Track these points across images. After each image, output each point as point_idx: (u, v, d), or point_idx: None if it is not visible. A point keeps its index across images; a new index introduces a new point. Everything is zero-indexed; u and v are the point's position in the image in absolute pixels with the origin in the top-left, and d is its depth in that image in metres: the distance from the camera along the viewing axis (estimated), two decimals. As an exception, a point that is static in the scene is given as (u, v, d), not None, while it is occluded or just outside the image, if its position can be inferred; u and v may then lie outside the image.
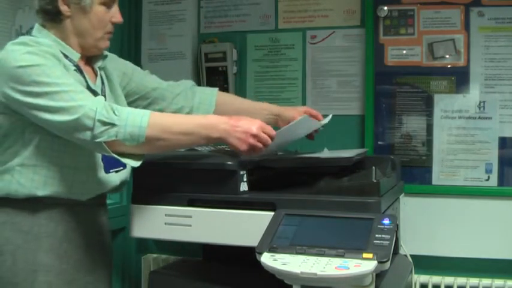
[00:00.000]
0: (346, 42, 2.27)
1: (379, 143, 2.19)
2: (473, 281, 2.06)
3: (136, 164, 1.31)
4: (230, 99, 1.78)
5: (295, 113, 1.69)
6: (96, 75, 1.49)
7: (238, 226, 1.37)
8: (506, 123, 2.07)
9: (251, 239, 1.27)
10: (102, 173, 1.41)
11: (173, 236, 1.46)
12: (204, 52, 2.37)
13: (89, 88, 1.38)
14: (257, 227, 1.30)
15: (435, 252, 2.11)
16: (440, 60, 2.13)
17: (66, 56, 1.37)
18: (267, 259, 1.19)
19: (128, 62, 1.69)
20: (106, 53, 1.53)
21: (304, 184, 1.47)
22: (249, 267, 1.33)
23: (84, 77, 1.40)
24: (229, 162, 1.41)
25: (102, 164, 1.41)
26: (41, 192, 1.33)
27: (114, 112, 1.24)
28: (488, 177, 2.08)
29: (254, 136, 1.33)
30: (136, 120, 1.25)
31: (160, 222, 1.45)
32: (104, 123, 1.22)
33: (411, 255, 1.88)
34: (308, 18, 2.32)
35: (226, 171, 1.40)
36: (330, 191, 1.38)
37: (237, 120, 1.35)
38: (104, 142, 1.23)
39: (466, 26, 2.09)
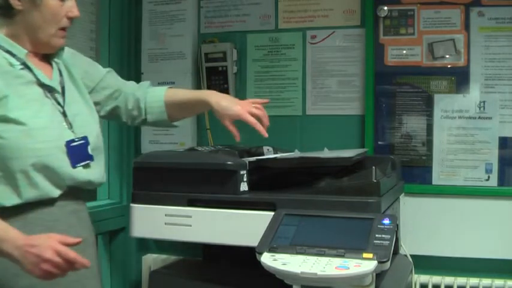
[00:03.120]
0: (346, 42, 2.27)
1: (379, 143, 2.19)
2: (473, 281, 2.06)
3: None
4: (175, 92, 1.68)
5: (227, 121, 1.57)
6: (52, 69, 1.44)
7: (238, 226, 1.37)
8: (506, 123, 2.07)
9: (251, 239, 1.27)
10: (68, 168, 1.35)
11: (173, 236, 1.46)
12: (204, 52, 2.37)
13: (40, 84, 1.34)
14: (257, 227, 1.30)
15: (435, 252, 2.11)
16: (440, 60, 2.13)
17: (13, 55, 1.32)
18: (267, 259, 1.19)
19: (89, 59, 1.62)
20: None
21: (304, 184, 1.47)
22: (249, 267, 1.33)
23: (33, 73, 1.35)
24: (229, 162, 1.41)
25: (67, 158, 1.35)
26: (8, 203, 1.28)
27: None
28: (488, 177, 2.08)
29: (47, 261, 1.16)
30: None
31: (160, 222, 1.45)
32: None
33: (411, 255, 1.88)
34: (308, 18, 2.32)
35: (226, 171, 1.40)
36: (330, 191, 1.38)
37: (33, 241, 1.18)
38: None
39: (466, 26, 2.10)
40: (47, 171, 1.31)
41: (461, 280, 2.08)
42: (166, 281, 1.62)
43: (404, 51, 2.16)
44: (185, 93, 1.68)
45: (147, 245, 2.46)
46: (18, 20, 1.33)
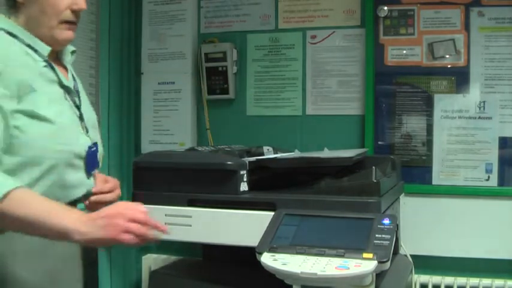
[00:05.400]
0: (346, 42, 2.27)
1: (379, 143, 2.19)
2: (473, 281, 2.06)
3: None
4: None
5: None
6: (67, 71, 1.35)
7: (238, 226, 1.37)
8: (506, 123, 2.07)
9: (251, 239, 1.27)
10: (83, 175, 1.28)
11: (173, 236, 1.45)
12: (204, 52, 2.37)
13: (61, 84, 1.27)
14: (257, 227, 1.30)
15: (435, 252, 2.11)
16: (440, 60, 2.13)
17: (34, 50, 1.23)
18: (267, 259, 1.19)
19: None
20: (72, 48, 1.38)
21: (304, 184, 1.47)
22: (249, 267, 1.33)
23: (55, 72, 1.27)
24: (229, 162, 1.41)
25: (83, 165, 1.27)
26: None
27: None
28: (488, 177, 2.08)
29: (122, 216, 1.12)
30: None
31: (160, 222, 1.44)
32: None
33: (411, 255, 1.88)
34: (308, 18, 2.32)
35: (226, 171, 1.40)
36: (330, 191, 1.38)
37: (103, 211, 1.14)
38: None
39: (466, 26, 2.10)
40: (63, 175, 1.22)
41: (461, 280, 2.08)
42: (166, 281, 1.62)
43: (404, 51, 2.16)
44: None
45: (147, 245, 2.46)
46: (21, 14, 1.25)
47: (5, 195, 1.06)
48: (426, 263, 2.08)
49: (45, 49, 1.25)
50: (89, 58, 2.26)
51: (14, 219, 1.07)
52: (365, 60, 2.21)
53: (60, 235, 1.09)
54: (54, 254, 1.23)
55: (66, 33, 1.27)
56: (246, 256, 1.30)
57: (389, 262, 1.14)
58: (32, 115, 1.17)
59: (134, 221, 1.14)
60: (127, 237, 1.13)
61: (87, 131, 1.31)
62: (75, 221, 1.10)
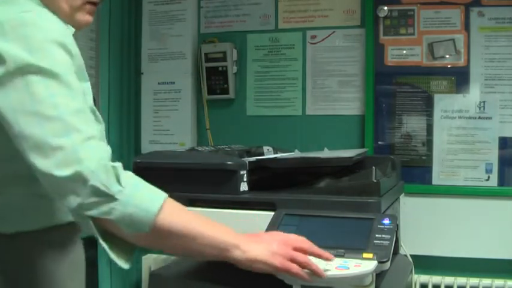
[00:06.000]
0: (346, 42, 2.27)
1: (379, 143, 2.19)
2: (473, 281, 2.06)
3: (126, 265, 1.00)
4: None
5: None
6: None
7: (238, 226, 1.36)
8: (506, 123, 2.07)
9: (251, 239, 1.27)
10: None
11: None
12: (204, 52, 2.37)
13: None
14: (257, 227, 1.29)
15: (435, 252, 2.11)
16: (440, 60, 2.13)
17: None
18: (267, 259, 1.18)
19: None
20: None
21: (304, 184, 1.47)
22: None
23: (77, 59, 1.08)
24: (229, 162, 1.41)
25: None
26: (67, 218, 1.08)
27: (118, 179, 0.90)
28: (488, 177, 2.08)
29: (285, 243, 1.02)
30: (145, 200, 0.91)
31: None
32: (99, 193, 0.87)
33: (411, 255, 1.88)
34: (308, 18, 2.32)
35: (226, 171, 1.40)
36: (330, 191, 1.38)
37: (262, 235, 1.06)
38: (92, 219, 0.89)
39: (466, 26, 2.10)
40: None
41: (461, 280, 2.08)
42: (167, 281, 1.62)
43: (404, 51, 2.16)
44: None
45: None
46: None
47: (162, 207, 0.92)
48: (426, 263, 2.08)
49: (71, 31, 1.05)
50: (89, 58, 2.26)
51: (171, 234, 0.95)
52: (365, 60, 2.21)
53: (219, 250, 1.00)
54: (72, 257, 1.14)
55: (87, 17, 1.06)
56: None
57: (389, 262, 1.14)
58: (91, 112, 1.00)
59: (298, 249, 1.04)
60: (295, 268, 1.01)
61: None
62: (235, 236, 1.02)
